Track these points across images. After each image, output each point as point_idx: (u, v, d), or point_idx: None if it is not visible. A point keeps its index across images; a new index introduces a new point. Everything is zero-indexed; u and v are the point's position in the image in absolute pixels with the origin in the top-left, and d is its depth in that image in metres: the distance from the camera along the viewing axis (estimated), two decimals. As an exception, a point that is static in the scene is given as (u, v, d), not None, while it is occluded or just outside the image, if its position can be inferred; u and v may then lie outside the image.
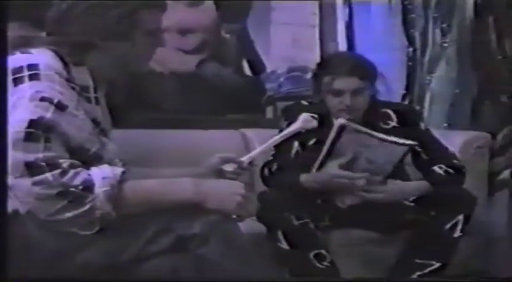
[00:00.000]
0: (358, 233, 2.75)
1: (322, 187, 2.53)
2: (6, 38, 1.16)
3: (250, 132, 3.22)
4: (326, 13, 3.67)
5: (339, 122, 2.46)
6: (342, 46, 3.62)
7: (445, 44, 3.42)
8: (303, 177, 2.55)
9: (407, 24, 3.49)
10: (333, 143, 2.45)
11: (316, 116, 2.48)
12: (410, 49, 3.49)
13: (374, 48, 3.33)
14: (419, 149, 2.66)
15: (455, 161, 2.70)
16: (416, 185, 2.62)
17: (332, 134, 2.45)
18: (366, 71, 2.66)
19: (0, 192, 1.20)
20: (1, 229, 1.21)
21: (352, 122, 2.50)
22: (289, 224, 2.52)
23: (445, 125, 3.40)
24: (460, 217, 2.57)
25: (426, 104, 3.44)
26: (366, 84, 2.65)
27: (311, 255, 2.55)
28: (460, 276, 2.68)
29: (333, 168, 2.49)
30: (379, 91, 2.79)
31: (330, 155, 2.48)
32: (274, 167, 2.68)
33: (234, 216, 1.76)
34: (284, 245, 2.53)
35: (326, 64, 2.73)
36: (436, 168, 2.64)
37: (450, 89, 3.42)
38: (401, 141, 2.51)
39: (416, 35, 3.47)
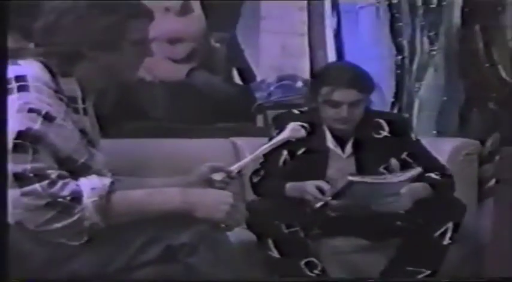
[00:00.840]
0: (348, 241, 2.75)
1: (299, 196, 2.56)
2: (6, 40, 1.16)
3: (240, 141, 3.22)
4: (314, 21, 3.68)
5: (348, 179, 2.47)
6: (331, 54, 3.63)
7: (433, 52, 3.44)
8: (287, 186, 2.60)
9: (395, 33, 3.50)
10: (341, 192, 2.49)
11: (305, 125, 2.50)
12: (399, 57, 3.50)
13: (362, 56, 3.33)
14: (409, 160, 2.68)
15: (446, 172, 2.71)
16: (420, 186, 2.62)
17: (340, 190, 2.48)
18: (364, 84, 2.66)
19: (0, 192, 1.20)
20: (1, 232, 1.20)
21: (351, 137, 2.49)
22: (279, 233, 2.52)
23: (434, 132, 3.41)
24: (450, 225, 2.58)
25: (415, 111, 3.45)
26: (364, 96, 2.66)
27: (302, 263, 2.56)
28: (452, 277, 2.69)
29: (310, 185, 2.53)
30: (373, 101, 2.81)
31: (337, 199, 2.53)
32: (262, 175, 2.69)
33: (223, 226, 1.76)
34: (275, 254, 2.54)
35: (325, 74, 2.71)
36: (431, 174, 2.65)
37: (438, 96, 3.43)
38: (410, 176, 2.53)
39: (405, 43, 3.49)
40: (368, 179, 2.49)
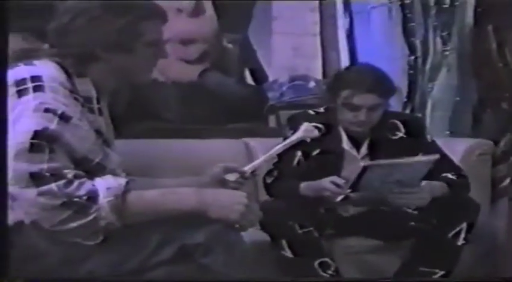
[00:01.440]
0: (362, 241, 2.75)
1: (315, 195, 2.56)
2: (7, 41, 1.17)
3: (253, 142, 3.22)
4: (326, 22, 3.68)
5: (361, 165, 2.47)
6: (343, 55, 3.63)
7: (446, 52, 3.43)
8: (301, 186, 2.59)
9: (407, 33, 3.50)
10: (358, 180, 2.48)
11: (319, 125, 2.49)
12: (412, 57, 3.49)
13: (375, 56, 3.32)
14: None
15: (461, 173, 2.70)
16: (439, 184, 2.62)
17: (355, 175, 2.47)
18: (385, 88, 2.65)
19: (0, 192, 1.21)
20: (2, 231, 1.21)
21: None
22: (293, 233, 2.52)
23: (447, 132, 3.40)
24: (464, 225, 2.57)
25: (428, 111, 3.44)
26: (383, 101, 2.65)
27: (315, 263, 2.56)
28: (466, 277, 2.68)
29: (326, 181, 2.52)
30: (391, 105, 2.81)
31: (354, 190, 2.52)
32: (275, 175, 2.69)
33: (237, 226, 1.76)
34: (288, 254, 2.54)
35: (346, 77, 2.69)
36: (448, 174, 2.65)
37: (451, 96, 3.42)
38: (424, 158, 2.53)
39: (417, 43, 3.48)
40: (381, 161, 2.48)
